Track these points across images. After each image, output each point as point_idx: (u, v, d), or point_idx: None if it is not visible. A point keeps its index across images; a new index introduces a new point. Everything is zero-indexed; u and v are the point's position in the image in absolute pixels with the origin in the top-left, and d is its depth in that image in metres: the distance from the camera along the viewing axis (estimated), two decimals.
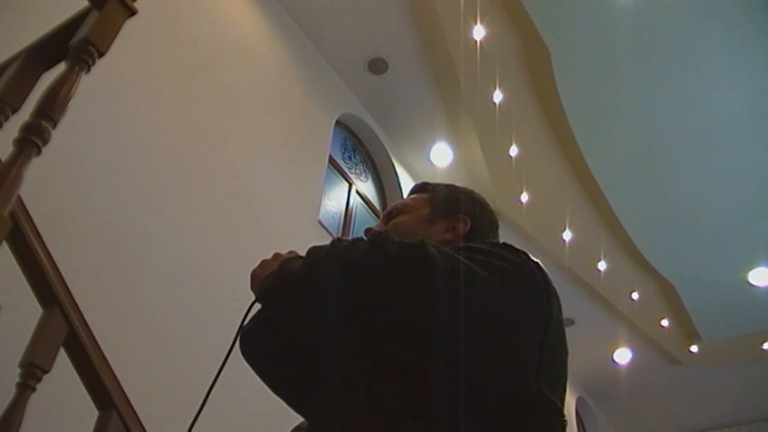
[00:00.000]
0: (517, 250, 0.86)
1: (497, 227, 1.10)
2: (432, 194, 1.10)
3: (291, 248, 0.95)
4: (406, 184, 5.81)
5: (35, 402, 1.47)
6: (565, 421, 0.78)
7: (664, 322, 6.80)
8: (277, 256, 0.93)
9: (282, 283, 0.86)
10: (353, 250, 0.81)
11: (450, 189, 1.11)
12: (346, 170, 5.34)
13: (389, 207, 1.12)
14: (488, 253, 0.83)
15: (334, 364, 0.86)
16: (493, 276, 0.77)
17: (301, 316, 0.89)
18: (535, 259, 0.86)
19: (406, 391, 0.74)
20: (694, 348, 7.09)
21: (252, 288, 0.93)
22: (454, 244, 0.90)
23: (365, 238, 0.86)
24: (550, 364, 0.80)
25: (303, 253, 0.89)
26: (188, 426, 0.92)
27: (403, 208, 1.09)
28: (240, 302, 0.98)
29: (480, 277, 0.76)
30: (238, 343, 0.96)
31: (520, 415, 0.73)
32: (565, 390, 0.83)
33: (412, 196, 1.13)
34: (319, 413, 0.84)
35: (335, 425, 0.78)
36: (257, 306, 0.94)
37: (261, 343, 0.96)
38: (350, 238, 0.88)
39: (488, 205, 1.11)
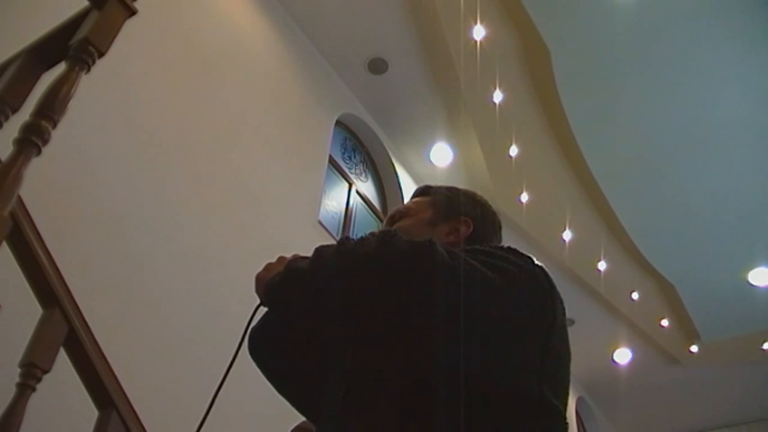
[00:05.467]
0: (522, 254, 0.87)
1: (500, 229, 1.10)
2: (434, 197, 1.11)
3: (291, 248, 0.95)
4: (406, 184, 5.81)
5: (35, 402, 1.47)
6: (567, 424, 0.78)
7: (664, 322, 6.81)
8: (281, 259, 0.93)
9: (289, 281, 0.86)
10: (362, 247, 0.81)
11: (452, 191, 1.11)
12: (346, 170, 5.34)
13: (392, 211, 1.12)
14: (493, 255, 0.83)
15: (338, 367, 0.86)
16: (499, 277, 0.78)
17: (308, 315, 0.89)
18: (540, 264, 0.86)
19: (409, 393, 0.74)
20: (694, 348, 7.09)
21: (257, 291, 0.92)
22: (456, 247, 0.90)
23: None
24: (553, 367, 0.80)
25: (307, 254, 0.89)
26: (188, 425, 0.92)
27: (406, 212, 1.09)
28: (240, 302, 0.98)
29: (486, 278, 0.77)
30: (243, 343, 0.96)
31: (523, 418, 0.73)
32: (567, 394, 0.83)
33: (415, 199, 1.14)
34: (326, 417, 0.84)
35: (341, 429, 0.78)
36: (262, 310, 0.94)
37: (268, 343, 0.96)
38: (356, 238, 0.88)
39: (490, 207, 1.11)
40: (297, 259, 0.90)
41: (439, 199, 1.09)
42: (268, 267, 0.93)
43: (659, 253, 6.12)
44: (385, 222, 1.13)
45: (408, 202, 1.14)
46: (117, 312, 2.55)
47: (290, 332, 0.95)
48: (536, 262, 0.86)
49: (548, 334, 0.80)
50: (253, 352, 0.97)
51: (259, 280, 0.92)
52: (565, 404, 0.81)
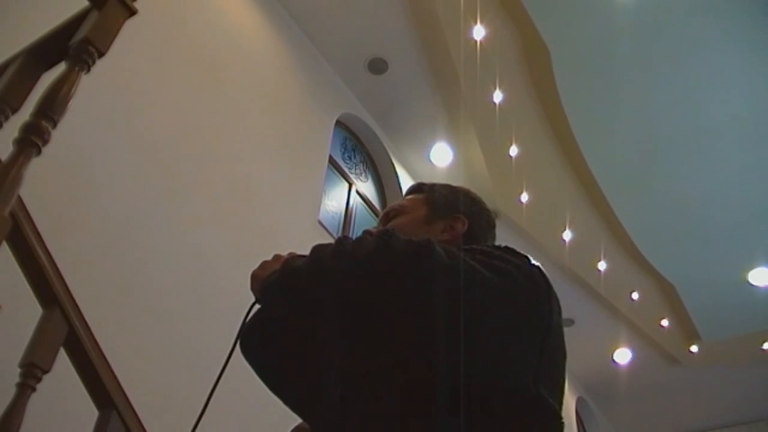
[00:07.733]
0: (519, 253, 0.87)
1: (494, 226, 1.10)
2: (428, 195, 1.10)
3: (291, 248, 0.95)
4: (406, 184, 5.81)
5: (35, 402, 1.47)
6: (563, 423, 0.78)
7: (664, 322, 6.81)
8: (277, 257, 0.93)
9: (285, 280, 0.85)
10: (360, 247, 0.80)
11: (446, 189, 1.11)
12: (346, 170, 5.34)
13: (386, 209, 1.12)
14: (491, 255, 0.83)
15: (334, 366, 0.86)
16: (497, 277, 0.78)
17: (304, 314, 0.89)
18: (537, 263, 0.86)
19: (406, 393, 0.74)
20: (694, 348, 7.10)
21: (252, 289, 0.92)
22: (452, 244, 0.90)
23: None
24: (549, 367, 0.80)
25: (304, 254, 0.89)
26: (188, 426, 0.92)
27: (401, 210, 1.09)
28: (240, 302, 0.98)
29: (485, 278, 0.77)
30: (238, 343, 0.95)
31: (519, 417, 0.74)
32: (563, 393, 0.84)
33: (409, 197, 1.13)
34: (322, 416, 0.84)
35: (338, 428, 0.78)
36: (258, 308, 0.94)
37: (261, 343, 0.96)
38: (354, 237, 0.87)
39: (485, 204, 1.11)
40: (294, 257, 0.89)
41: (434, 197, 1.09)
42: (264, 265, 0.93)
43: (659, 253, 6.12)
44: (379, 220, 1.12)
45: (402, 200, 1.14)
46: (117, 312, 2.55)
47: (284, 331, 0.95)
48: (533, 261, 0.86)
49: (545, 333, 0.80)
50: (245, 351, 0.96)
51: (255, 277, 0.92)
52: (561, 403, 0.81)
